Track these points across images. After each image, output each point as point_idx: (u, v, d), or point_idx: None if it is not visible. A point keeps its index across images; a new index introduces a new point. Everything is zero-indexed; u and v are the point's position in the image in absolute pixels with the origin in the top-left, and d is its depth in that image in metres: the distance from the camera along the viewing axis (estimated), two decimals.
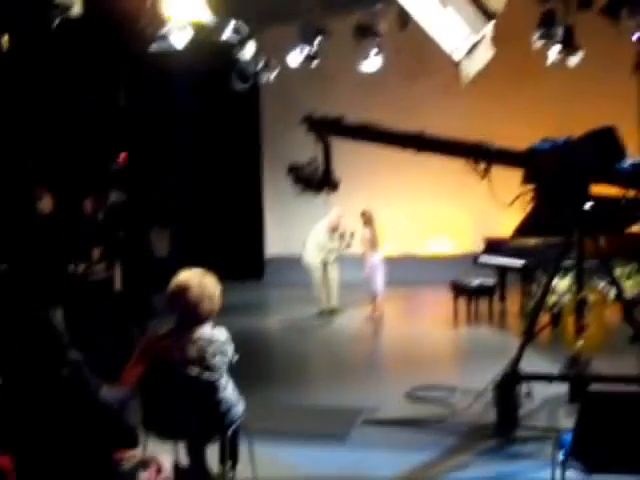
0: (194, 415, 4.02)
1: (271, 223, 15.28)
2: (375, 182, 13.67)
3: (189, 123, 14.30)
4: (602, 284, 8.35)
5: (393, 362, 8.47)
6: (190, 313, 4.03)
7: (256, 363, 7.87)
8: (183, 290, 4.04)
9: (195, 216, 14.26)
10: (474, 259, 10.87)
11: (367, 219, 10.48)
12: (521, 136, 5.76)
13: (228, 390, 4.12)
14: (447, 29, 5.35)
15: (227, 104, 13.44)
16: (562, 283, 8.60)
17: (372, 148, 13.05)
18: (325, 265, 10.88)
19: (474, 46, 5.82)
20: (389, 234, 11.22)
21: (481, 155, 5.71)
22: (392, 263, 11.21)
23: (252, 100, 13.91)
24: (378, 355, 9.09)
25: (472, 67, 6.48)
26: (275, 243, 15.08)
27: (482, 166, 5.72)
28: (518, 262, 9.77)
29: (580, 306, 5.82)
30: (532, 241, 9.58)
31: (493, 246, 10.70)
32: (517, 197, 5.76)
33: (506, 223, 9.34)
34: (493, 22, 5.48)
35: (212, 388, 3.99)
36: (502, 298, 10.56)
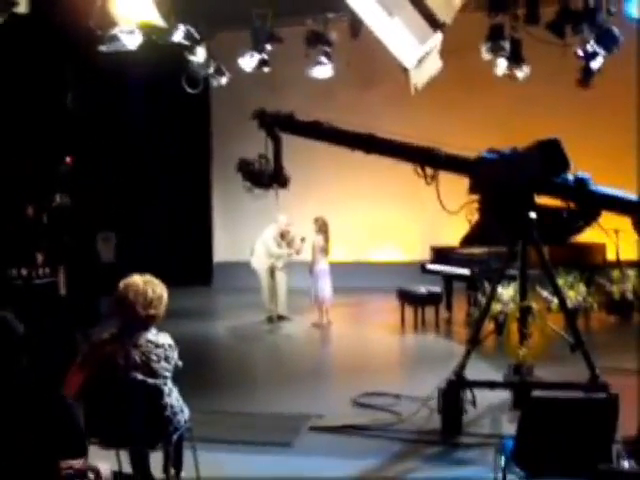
0: (138, 421, 3.96)
1: (220, 228, 15.21)
2: (324, 189, 13.73)
3: (138, 126, 14.13)
4: (545, 293, 8.52)
5: (340, 369, 8.49)
6: (135, 318, 3.99)
7: (202, 369, 7.81)
8: (128, 294, 3.99)
9: (143, 220, 14.10)
10: (421, 267, 10.98)
11: (321, 226, 10.49)
12: (469, 146, 5.83)
13: (172, 396, 4.08)
14: (396, 39, 5.41)
15: (177, 108, 13.35)
16: (506, 292, 8.76)
17: (322, 155, 13.11)
18: (273, 271, 10.86)
19: (423, 57, 5.89)
20: (337, 241, 11.27)
21: (429, 160, 5.78)
22: (340, 269, 11.26)
23: (202, 104, 13.85)
24: (325, 362, 9.10)
25: (421, 77, 6.57)
26: (223, 248, 15.01)
27: (430, 171, 5.79)
28: (464, 271, 9.91)
29: (524, 314, 5.92)
30: (478, 250, 9.73)
31: (440, 255, 10.85)
32: (463, 206, 5.84)
33: (453, 232, 9.50)
34: (441, 34, 5.55)
35: (156, 394, 3.94)
36: (448, 306, 10.68)
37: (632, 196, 5.72)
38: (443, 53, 6.90)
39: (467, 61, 9.54)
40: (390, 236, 14.07)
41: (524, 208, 5.70)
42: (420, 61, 5.93)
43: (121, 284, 4.06)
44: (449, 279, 10.66)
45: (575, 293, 9.76)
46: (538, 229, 5.67)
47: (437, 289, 10.40)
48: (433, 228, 12.52)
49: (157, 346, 3.99)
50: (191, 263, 14.48)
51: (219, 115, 14.63)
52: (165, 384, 3.99)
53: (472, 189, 5.81)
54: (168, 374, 4.02)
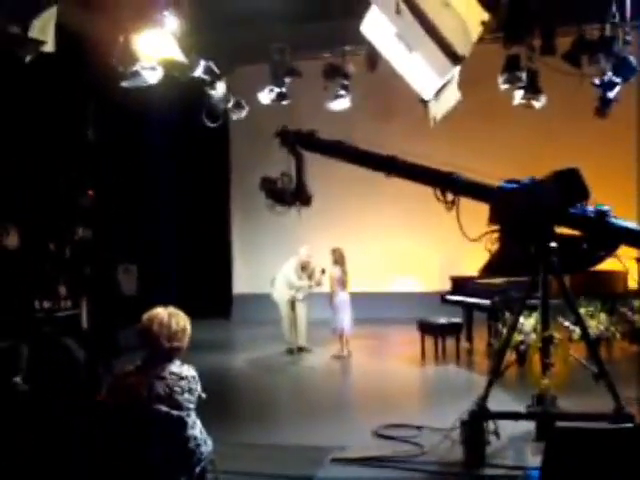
0: (162, 453, 3.97)
1: (239, 261, 15.28)
2: (344, 220, 13.78)
3: (159, 159, 14.30)
4: (567, 323, 8.46)
5: (361, 400, 8.45)
6: (159, 349, 4.01)
7: (224, 401, 7.81)
8: (152, 326, 4.01)
9: (163, 254, 14.19)
10: (441, 297, 10.95)
11: (338, 257, 10.52)
12: (488, 176, 5.86)
13: (196, 428, 4.08)
14: (415, 72, 5.47)
15: (197, 141, 13.50)
16: (528, 322, 8.71)
17: (341, 186, 13.15)
18: (293, 303, 10.88)
19: (441, 89, 5.95)
20: (357, 271, 11.29)
21: (449, 184, 5.79)
22: (360, 300, 11.25)
23: (222, 137, 14.00)
24: (346, 393, 9.06)
25: (439, 109, 6.62)
26: (243, 281, 15.07)
27: (449, 197, 5.81)
28: (484, 301, 9.87)
29: (545, 344, 5.87)
30: (498, 280, 9.69)
31: (460, 285, 10.82)
32: (484, 234, 5.85)
33: (472, 262, 9.45)
34: (459, 67, 5.61)
35: (180, 425, 3.95)
36: (469, 337, 10.63)
37: None
38: (460, 85, 6.96)
39: (484, 92, 9.60)
40: (410, 267, 14.06)
41: (544, 238, 5.70)
42: (438, 93, 5.98)
43: (145, 316, 4.08)
44: (469, 309, 10.61)
45: (597, 322, 9.68)
46: (559, 258, 5.66)
47: (457, 320, 10.36)
48: (453, 258, 12.52)
49: (181, 378, 4.00)
50: (211, 295, 14.54)
51: (238, 148, 14.79)
52: (189, 416, 4.00)
53: (492, 219, 5.82)
54: (192, 406, 4.02)
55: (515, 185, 5.82)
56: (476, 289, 10.22)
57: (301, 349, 10.88)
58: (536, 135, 12.42)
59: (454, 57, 5.28)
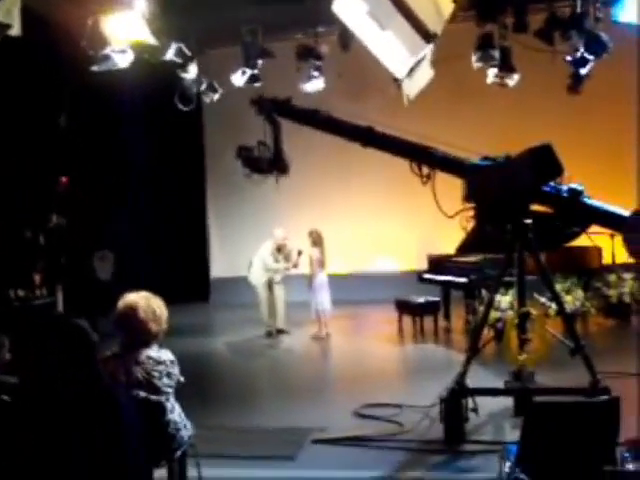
0: (141, 438, 3.95)
1: (216, 244, 15.22)
2: (319, 201, 13.75)
3: (132, 144, 14.16)
4: (543, 299, 8.53)
5: (340, 381, 8.48)
6: (137, 334, 3.98)
7: (203, 385, 7.80)
8: (130, 311, 3.98)
9: (139, 238, 14.09)
10: (418, 277, 11.00)
11: (316, 239, 10.51)
12: (463, 154, 5.88)
13: (175, 413, 4.07)
14: (387, 50, 5.44)
15: (170, 125, 13.37)
16: (504, 299, 8.78)
17: (317, 167, 13.11)
18: (271, 285, 10.87)
19: (414, 67, 5.93)
20: (334, 253, 11.29)
21: (426, 158, 5.80)
22: (338, 281, 11.27)
23: (195, 121, 13.89)
24: (325, 374, 9.09)
25: (413, 87, 6.60)
26: (220, 264, 15.02)
27: (425, 170, 5.81)
28: (461, 279, 9.93)
29: (522, 321, 5.93)
30: (474, 258, 9.75)
31: (437, 264, 10.87)
32: (459, 212, 5.87)
33: (449, 241, 9.51)
34: (432, 45, 5.60)
35: (159, 410, 3.94)
36: (446, 315, 10.70)
37: (623, 212, 5.72)
38: (434, 63, 6.94)
39: (458, 70, 9.58)
40: (386, 246, 14.09)
41: (519, 215, 5.72)
42: (411, 71, 5.96)
43: (123, 300, 4.05)
44: (446, 288, 10.67)
45: (573, 298, 9.79)
46: (534, 235, 5.69)
47: (435, 298, 10.42)
48: (429, 237, 12.55)
49: (159, 363, 3.98)
50: (188, 279, 14.48)
51: (212, 131, 14.68)
52: (167, 400, 3.99)
53: (467, 197, 5.84)
54: (170, 390, 4.01)
55: (489, 163, 5.84)
56: (453, 267, 10.27)
57: (280, 331, 10.89)
58: (510, 112, 12.45)
59: (426, 35, 5.27)
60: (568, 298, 9.56)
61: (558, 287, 8.30)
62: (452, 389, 5.71)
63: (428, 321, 10.24)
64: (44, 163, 11.04)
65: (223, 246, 15.00)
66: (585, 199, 5.72)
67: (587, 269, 10.44)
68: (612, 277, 10.41)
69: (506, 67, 8.99)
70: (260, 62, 9.46)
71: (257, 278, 10.89)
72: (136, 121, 14.06)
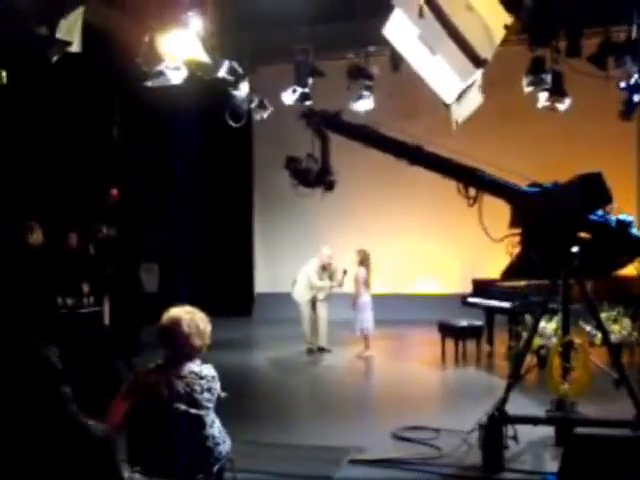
0: (181, 452, 4.01)
1: (261, 260, 15.33)
2: (365, 221, 13.77)
3: (182, 160, 14.38)
4: (588, 328, 8.39)
5: (380, 402, 8.45)
6: (180, 348, 4.04)
7: (243, 400, 7.83)
8: (174, 325, 4.05)
9: (185, 252, 14.28)
10: (462, 300, 10.91)
11: (363, 258, 10.52)
12: (510, 178, 5.85)
13: (215, 427, 4.11)
14: (437, 75, 5.46)
15: (220, 141, 13.56)
16: (549, 326, 8.65)
17: (363, 187, 13.13)
18: (314, 303, 10.90)
19: (464, 92, 5.93)
20: (378, 273, 11.28)
21: (473, 179, 5.76)
22: (381, 302, 11.24)
23: (245, 138, 14.05)
24: (365, 394, 9.05)
25: (462, 112, 6.60)
26: (264, 280, 15.11)
27: (472, 192, 5.78)
28: (506, 304, 9.82)
29: (566, 349, 5.84)
30: (520, 283, 9.64)
31: (481, 288, 10.77)
32: (506, 236, 5.81)
33: (494, 266, 9.40)
34: (482, 70, 5.59)
35: (199, 424, 3.99)
36: (489, 340, 10.58)
37: None
38: (484, 86, 6.93)
39: (508, 94, 9.55)
40: (431, 268, 14.03)
41: (566, 241, 5.66)
42: (460, 96, 5.96)
43: (167, 314, 4.12)
44: (490, 312, 10.56)
45: (619, 327, 9.58)
46: (581, 262, 5.62)
47: (478, 322, 10.33)
48: (474, 261, 12.47)
49: (200, 377, 4.04)
50: (232, 294, 14.61)
51: (261, 148, 14.82)
52: (207, 415, 4.03)
53: (513, 223, 5.79)
54: (211, 405, 4.06)
55: (537, 189, 5.79)
56: (497, 292, 10.16)
57: (321, 349, 10.90)
58: (560, 137, 12.33)
59: (477, 60, 5.27)
60: (615, 327, 9.36)
61: (604, 316, 8.16)
62: (492, 415, 5.64)
63: (471, 345, 10.15)
64: (97, 175, 11.29)
65: (268, 262, 15.10)
66: (634, 230, 5.63)
67: (635, 298, 10.23)
68: None
69: (557, 91, 8.91)
70: (311, 81, 9.56)
71: (301, 295, 10.93)
72: (187, 136, 14.29)
